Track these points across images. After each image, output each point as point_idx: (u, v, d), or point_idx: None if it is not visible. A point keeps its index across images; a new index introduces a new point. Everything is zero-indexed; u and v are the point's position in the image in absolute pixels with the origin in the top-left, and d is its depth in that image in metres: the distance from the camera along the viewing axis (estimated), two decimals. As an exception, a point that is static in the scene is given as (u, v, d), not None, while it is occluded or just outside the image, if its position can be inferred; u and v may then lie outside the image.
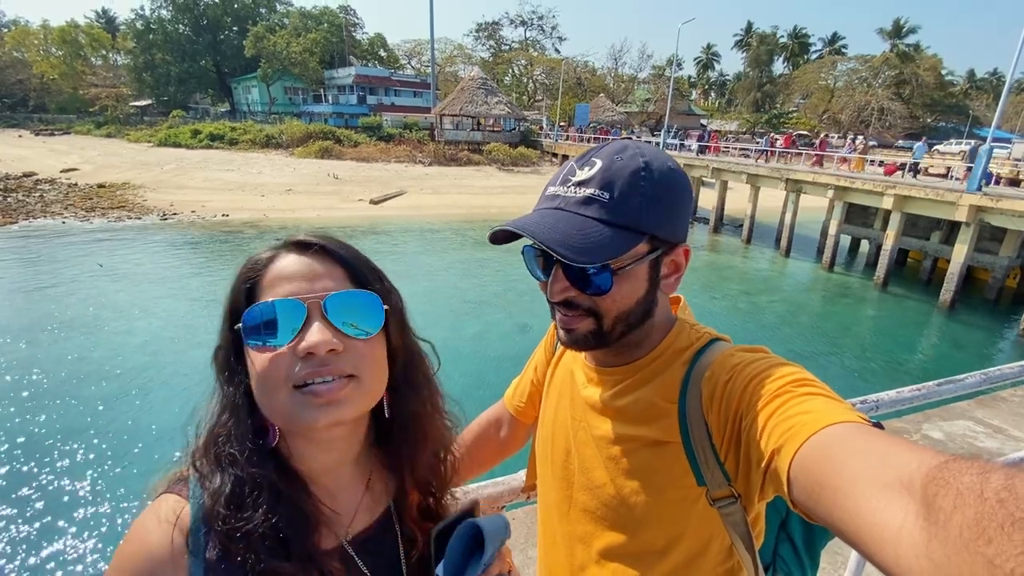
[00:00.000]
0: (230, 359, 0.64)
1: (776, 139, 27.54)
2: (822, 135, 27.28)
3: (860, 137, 25.41)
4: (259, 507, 0.59)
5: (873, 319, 13.94)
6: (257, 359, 0.60)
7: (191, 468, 0.64)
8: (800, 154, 22.85)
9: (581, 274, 0.72)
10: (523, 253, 0.81)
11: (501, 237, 0.76)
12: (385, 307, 0.67)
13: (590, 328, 0.75)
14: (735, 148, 29.39)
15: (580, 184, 0.72)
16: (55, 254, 15.10)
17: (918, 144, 19.47)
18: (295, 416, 0.60)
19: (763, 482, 0.61)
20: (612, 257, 0.68)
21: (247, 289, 0.63)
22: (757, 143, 29.17)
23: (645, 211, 0.70)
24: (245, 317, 0.60)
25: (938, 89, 54.69)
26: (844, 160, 20.55)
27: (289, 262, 0.64)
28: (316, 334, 0.60)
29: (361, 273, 0.67)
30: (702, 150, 27.64)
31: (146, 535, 0.59)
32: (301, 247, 0.65)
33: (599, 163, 0.73)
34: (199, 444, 0.64)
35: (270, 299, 0.61)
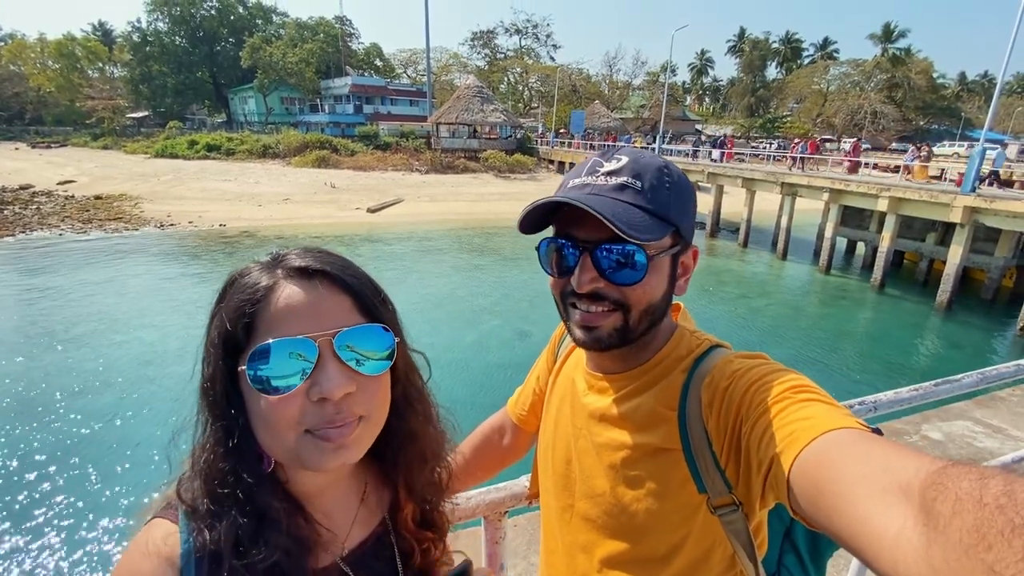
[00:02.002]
0: (226, 391, 0.58)
1: (799, 144, 25.85)
2: (855, 140, 24.87)
3: (924, 143, 22.88)
4: (262, 545, 0.57)
5: (870, 321, 13.97)
6: (263, 402, 0.56)
7: (184, 505, 0.60)
8: (838, 161, 20.95)
9: (613, 263, 0.71)
10: (538, 248, 0.79)
11: (531, 224, 0.75)
12: (396, 339, 0.63)
13: (616, 324, 0.74)
14: (755, 156, 27.26)
15: (611, 173, 0.73)
16: (52, 266, 15.06)
17: (996, 149, 17.69)
18: (303, 460, 0.58)
19: (763, 489, 0.61)
20: (655, 239, 0.69)
21: (245, 323, 0.57)
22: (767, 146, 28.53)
23: (672, 204, 0.73)
24: (250, 359, 0.55)
25: (930, 92, 55.20)
26: (906, 168, 17.84)
27: (292, 293, 0.58)
28: (331, 380, 0.56)
29: (369, 301, 0.62)
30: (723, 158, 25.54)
31: (136, 568, 0.57)
32: (303, 274, 0.59)
33: (625, 158, 0.74)
34: (195, 481, 0.60)
35: (276, 338, 0.55)
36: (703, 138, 33.93)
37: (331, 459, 0.58)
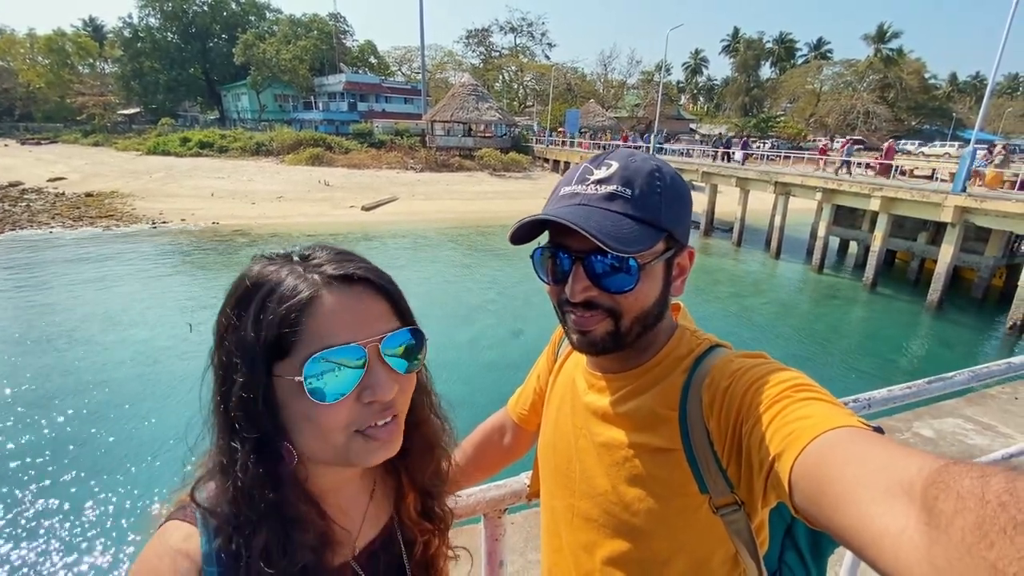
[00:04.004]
0: (265, 399, 0.58)
1: (828, 146, 24.37)
2: (889, 141, 21.92)
3: (999, 144, 19.39)
4: (291, 549, 0.59)
5: (863, 320, 14.09)
6: (315, 408, 0.57)
7: (202, 510, 0.60)
8: (872, 165, 19.08)
9: (606, 272, 0.72)
10: (532, 257, 0.80)
11: (521, 236, 0.76)
12: (427, 339, 0.67)
13: (608, 329, 0.75)
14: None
15: (600, 182, 0.73)
16: (42, 265, 14.91)
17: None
18: (350, 457, 0.61)
19: (765, 488, 0.61)
20: (645, 249, 0.70)
21: (291, 332, 0.57)
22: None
23: (664, 209, 0.73)
24: (307, 371, 0.56)
25: (922, 92, 55.62)
26: (977, 175, 15.39)
27: (339, 301, 0.59)
28: (383, 384, 0.60)
29: (402, 304, 0.66)
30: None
31: (156, 566, 0.57)
32: (346, 281, 0.61)
33: (615, 164, 0.74)
34: (218, 486, 0.60)
35: (329, 346, 0.57)
36: (742, 139, 31.20)
37: (379, 455, 0.62)
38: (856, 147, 21.77)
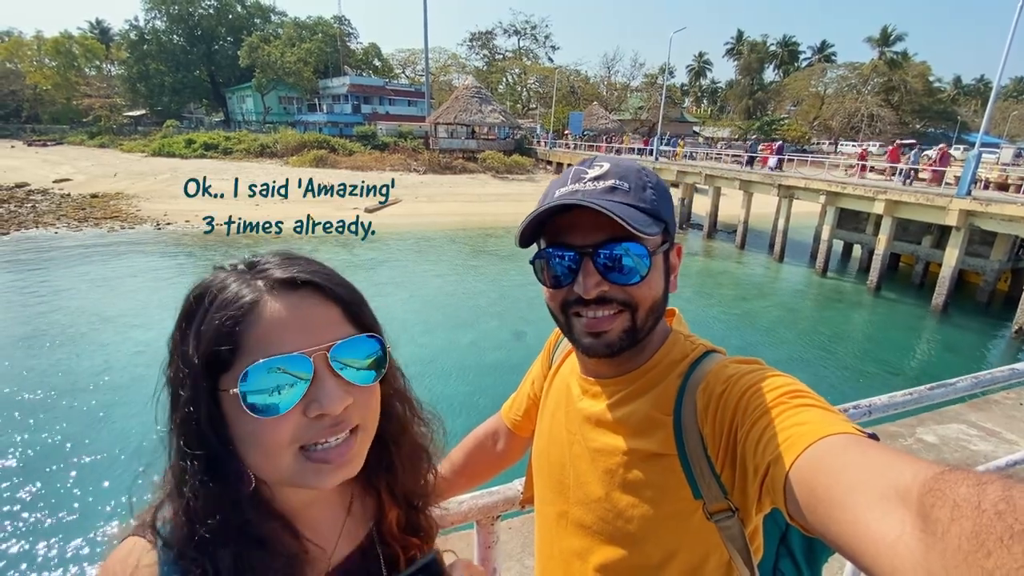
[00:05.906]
0: (210, 415, 0.55)
1: (868, 152, 22.59)
2: (941, 146, 19.23)
3: None
4: (256, 571, 0.56)
5: (867, 323, 14.02)
6: (256, 424, 0.54)
7: (161, 538, 0.57)
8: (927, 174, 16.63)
9: (616, 263, 0.72)
10: (532, 263, 0.79)
11: (530, 234, 0.76)
12: (388, 347, 0.62)
13: (624, 326, 0.74)
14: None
15: (597, 178, 0.74)
16: (47, 265, 14.99)
17: (995, 153, 15.48)
18: (301, 480, 0.56)
19: (759, 494, 0.61)
20: (654, 234, 0.71)
21: (230, 342, 0.53)
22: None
23: (658, 201, 0.75)
24: (243, 381, 0.52)
25: (926, 95, 55.41)
26: None
27: (281, 308, 0.55)
28: (331, 395, 0.55)
29: (357, 309, 0.60)
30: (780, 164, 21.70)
31: None
32: (289, 286, 0.56)
33: (606, 163, 0.76)
34: (173, 511, 0.57)
35: (269, 357, 0.52)
36: (777, 144, 26.88)
37: (333, 478, 0.57)
38: (911, 149, 18.26)
